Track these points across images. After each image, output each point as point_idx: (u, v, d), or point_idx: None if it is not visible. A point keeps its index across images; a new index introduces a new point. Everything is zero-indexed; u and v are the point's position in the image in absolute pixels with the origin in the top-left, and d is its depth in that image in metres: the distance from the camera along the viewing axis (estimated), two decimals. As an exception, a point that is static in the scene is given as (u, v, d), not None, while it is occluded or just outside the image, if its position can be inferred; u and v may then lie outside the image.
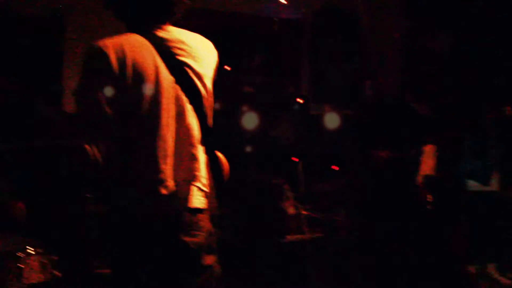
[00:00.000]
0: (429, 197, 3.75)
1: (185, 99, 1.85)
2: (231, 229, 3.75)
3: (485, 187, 5.36)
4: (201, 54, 1.94)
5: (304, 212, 3.85)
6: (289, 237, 3.80)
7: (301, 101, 5.10)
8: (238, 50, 5.19)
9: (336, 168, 4.86)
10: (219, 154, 2.01)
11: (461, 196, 4.70)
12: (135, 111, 1.77)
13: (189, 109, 1.86)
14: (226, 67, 4.98)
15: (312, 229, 3.92)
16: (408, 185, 3.86)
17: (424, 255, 3.87)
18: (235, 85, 4.92)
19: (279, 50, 5.56)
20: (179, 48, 1.87)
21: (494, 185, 5.51)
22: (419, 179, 3.84)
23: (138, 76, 1.75)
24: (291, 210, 3.80)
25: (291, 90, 5.31)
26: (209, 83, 1.96)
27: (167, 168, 1.80)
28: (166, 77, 1.81)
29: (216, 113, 2.07)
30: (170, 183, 1.80)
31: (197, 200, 1.87)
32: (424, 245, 3.85)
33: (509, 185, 5.59)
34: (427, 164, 3.85)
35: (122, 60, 1.72)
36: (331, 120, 4.98)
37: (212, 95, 1.99)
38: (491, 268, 5.55)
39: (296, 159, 4.60)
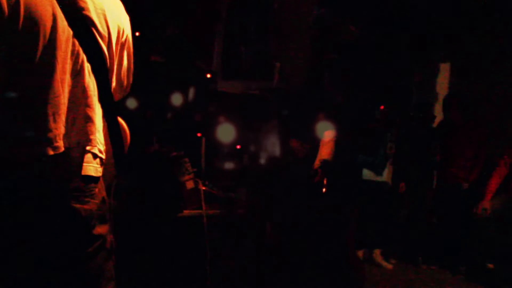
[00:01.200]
0: (325, 181, 3.87)
1: (83, 57, 1.72)
2: (127, 200, 3.66)
3: (378, 177, 5.68)
4: (109, 13, 1.81)
5: (203, 188, 3.84)
6: (186, 211, 3.77)
7: (209, 76, 5.06)
8: (151, 17, 5.03)
9: (239, 147, 4.89)
10: (121, 121, 1.92)
11: (354, 183, 4.92)
12: (25, 60, 1.61)
13: (87, 67, 1.73)
14: (136, 33, 4.81)
15: (211, 204, 3.91)
16: (308, 169, 3.96)
17: (316, 237, 3.99)
18: (145, 53, 4.77)
19: (193, 22, 5.46)
20: (83, 1, 1.74)
21: (386, 176, 5.86)
22: (317, 162, 3.95)
23: (31, 22, 1.59)
24: (189, 184, 3.77)
25: (201, 64, 5.25)
26: (114, 45, 1.83)
27: (57, 127, 1.65)
28: (64, 29, 1.67)
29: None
30: (59, 143, 1.65)
31: (92, 167, 1.75)
32: (317, 227, 3.98)
33: (399, 178, 5.97)
34: (326, 148, 3.97)
35: (13, 1, 1.56)
36: (237, 99, 4.99)
37: (116, 58, 1.88)
38: (377, 253, 5.91)
39: (200, 134, 4.56)
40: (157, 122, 4.64)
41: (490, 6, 5.57)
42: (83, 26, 1.72)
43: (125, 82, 2.04)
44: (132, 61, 2.03)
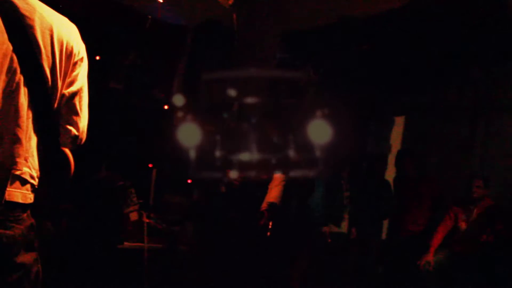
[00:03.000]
0: (270, 224, 3.83)
1: (21, 76, 1.63)
2: (67, 228, 3.56)
3: (335, 228, 5.65)
4: (57, 33, 1.72)
5: (147, 220, 3.76)
6: (127, 244, 3.67)
7: (166, 107, 5.03)
8: (114, 44, 4.98)
9: (190, 181, 4.83)
10: (66, 150, 1.81)
11: (303, 229, 4.87)
12: None
13: (23, 87, 1.64)
14: (97, 57, 4.77)
15: (153, 238, 3.83)
16: (254, 209, 3.92)
17: (259, 279, 3.94)
18: (102, 79, 4.71)
19: (157, 53, 5.44)
20: (30, 18, 1.66)
21: (344, 226, 5.82)
22: (264, 205, 3.91)
23: None
24: (133, 216, 3.68)
25: (159, 95, 5.21)
26: (58, 66, 1.72)
27: None
28: (3, 43, 1.60)
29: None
30: None
31: (19, 193, 1.64)
32: (260, 270, 3.92)
33: (350, 224, 5.96)
34: (274, 191, 3.94)
35: None
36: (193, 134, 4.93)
37: (62, 82, 1.76)
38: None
39: (151, 165, 4.50)
40: (108, 149, 4.55)
41: (447, 62, 5.76)
42: (24, 43, 1.64)
43: (79, 112, 1.84)
44: (85, 90, 1.87)
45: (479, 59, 5.75)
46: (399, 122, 7.04)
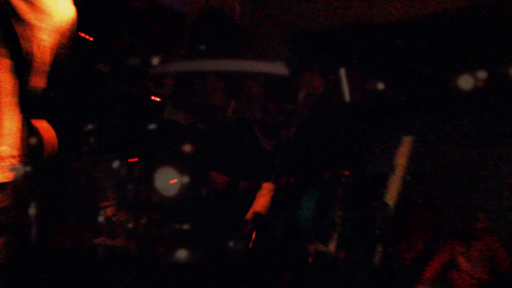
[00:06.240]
0: (254, 235, 3.45)
1: (1, 48, 1.50)
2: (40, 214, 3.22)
3: (324, 247, 5.27)
4: (45, 5, 1.59)
5: (122, 218, 3.37)
6: (98, 240, 3.30)
7: (158, 100, 4.65)
8: (106, 24, 4.59)
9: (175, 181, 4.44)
10: (45, 125, 1.71)
11: (287, 244, 4.49)
12: None
13: (4, 60, 1.51)
14: (85, 35, 4.37)
15: (128, 237, 3.44)
16: (238, 216, 3.53)
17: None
18: (89, 60, 4.31)
19: (152, 38, 5.04)
20: None
21: (332, 246, 5.43)
22: (249, 214, 3.52)
23: None
24: (108, 211, 3.30)
25: (150, 84, 4.81)
26: (46, 40, 1.61)
27: None
28: None
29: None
30: None
31: None
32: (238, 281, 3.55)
33: (343, 248, 5.56)
34: (261, 200, 3.55)
35: None
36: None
37: (48, 56, 1.64)
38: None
39: (135, 160, 4.11)
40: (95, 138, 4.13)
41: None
42: (2, 13, 1.50)
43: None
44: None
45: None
46: (407, 143, 6.70)
